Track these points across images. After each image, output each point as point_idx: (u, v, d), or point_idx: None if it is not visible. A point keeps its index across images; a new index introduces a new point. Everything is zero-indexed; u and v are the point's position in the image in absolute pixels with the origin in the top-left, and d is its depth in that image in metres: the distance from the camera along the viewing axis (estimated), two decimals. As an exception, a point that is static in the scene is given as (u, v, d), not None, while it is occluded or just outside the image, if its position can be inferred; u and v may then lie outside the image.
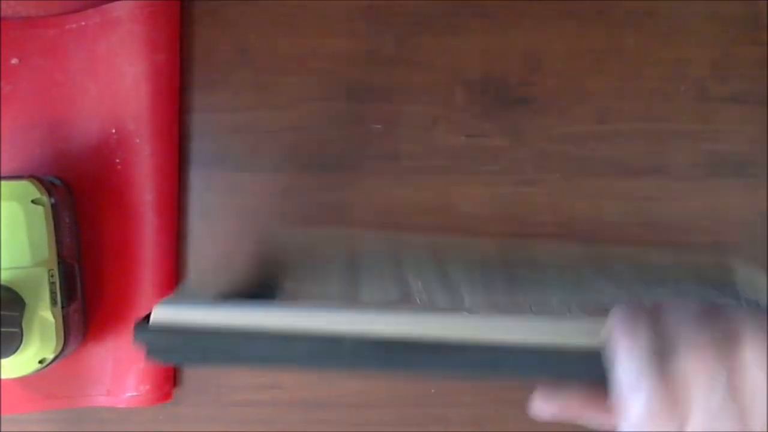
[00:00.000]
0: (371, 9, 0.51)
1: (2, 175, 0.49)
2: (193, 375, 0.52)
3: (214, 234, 0.51)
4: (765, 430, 0.27)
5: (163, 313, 0.35)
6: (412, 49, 0.51)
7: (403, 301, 0.40)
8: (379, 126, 0.51)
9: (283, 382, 0.52)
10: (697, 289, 0.42)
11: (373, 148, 0.51)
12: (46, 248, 0.45)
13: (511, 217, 0.52)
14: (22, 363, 0.44)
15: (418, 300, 0.40)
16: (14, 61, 0.50)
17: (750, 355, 0.28)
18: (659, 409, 0.28)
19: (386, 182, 0.51)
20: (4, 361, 0.43)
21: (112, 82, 0.49)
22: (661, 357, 0.29)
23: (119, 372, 0.50)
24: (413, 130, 0.51)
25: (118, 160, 0.50)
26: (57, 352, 0.45)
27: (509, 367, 0.33)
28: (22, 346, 0.43)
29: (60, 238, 0.46)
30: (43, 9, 0.50)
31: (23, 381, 0.46)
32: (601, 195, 0.52)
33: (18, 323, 0.43)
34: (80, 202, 0.50)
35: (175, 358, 0.39)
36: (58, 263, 0.46)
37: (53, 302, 0.45)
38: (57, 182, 0.48)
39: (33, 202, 0.45)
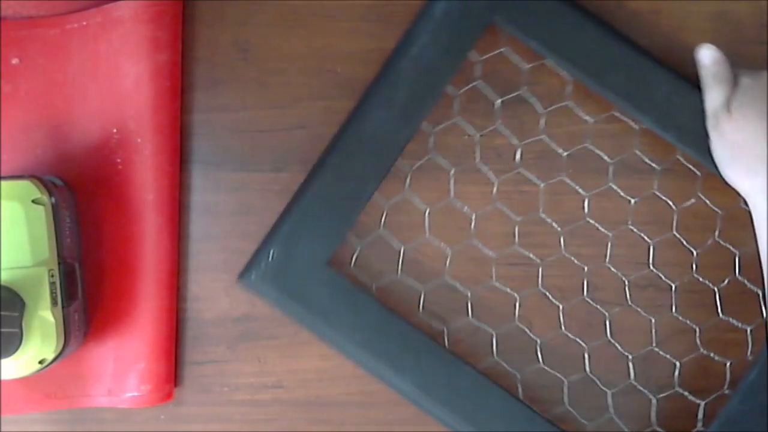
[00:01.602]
0: (372, 9, 0.51)
1: (3, 174, 0.49)
2: (193, 375, 0.52)
3: (215, 234, 0.51)
4: None
5: None
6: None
7: None
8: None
9: (284, 382, 0.52)
10: None
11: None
12: (46, 248, 0.45)
13: (511, 217, 0.52)
14: (22, 363, 0.44)
15: None
16: (15, 61, 0.50)
17: None
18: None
19: (387, 182, 0.51)
20: (4, 361, 0.43)
21: (114, 81, 0.49)
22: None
23: (120, 372, 0.50)
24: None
25: (119, 160, 0.50)
26: (57, 352, 0.45)
27: None
28: (22, 346, 0.43)
29: (60, 238, 0.46)
30: (43, 9, 0.50)
31: (23, 381, 0.46)
32: (603, 195, 0.51)
33: (18, 323, 0.43)
34: (81, 201, 0.50)
35: None
36: (59, 263, 0.46)
37: (53, 302, 0.45)
38: (58, 182, 0.48)
39: (34, 201, 0.45)
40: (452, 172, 0.52)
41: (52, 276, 0.45)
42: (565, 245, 0.52)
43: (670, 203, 0.52)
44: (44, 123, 0.50)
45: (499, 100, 0.51)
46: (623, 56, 0.49)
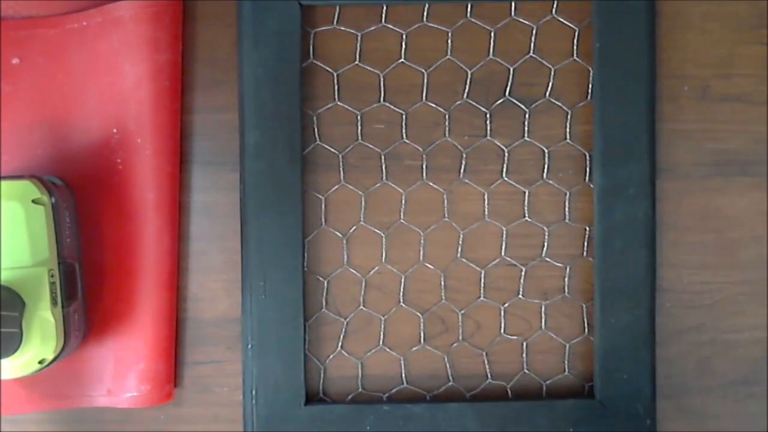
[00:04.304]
0: (372, 9, 0.51)
1: (3, 174, 0.49)
2: (193, 375, 0.52)
3: (215, 234, 0.51)
4: None
5: None
6: (415, 48, 0.51)
7: None
8: (381, 126, 0.51)
9: (284, 383, 0.52)
10: None
11: (374, 147, 0.51)
12: (46, 248, 0.45)
13: (511, 217, 0.52)
14: (22, 363, 0.44)
15: None
16: (15, 61, 0.50)
17: None
18: None
19: (387, 181, 0.51)
20: (4, 361, 0.43)
21: (114, 82, 0.49)
22: None
23: (120, 372, 0.50)
24: (415, 130, 0.51)
25: (119, 160, 0.50)
26: (57, 353, 0.45)
27: None
28: (22, 346, 0.43)
29: (60, 237, 0.46)
30: (44, 9, 0.50)
31: (23, 381, 0.46)
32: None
33: (18, 323, 0.43)
34: (81, 201, 0.50)
35: None
36: (59, 263, 0.46)
37: (53, 302, 0.45)
38: (58, 182, 0.48)
39: (34, 201, 0.45)
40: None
41: (52, 276, 0.45)
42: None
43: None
44: (44, 123, 0.50)
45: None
46: None
